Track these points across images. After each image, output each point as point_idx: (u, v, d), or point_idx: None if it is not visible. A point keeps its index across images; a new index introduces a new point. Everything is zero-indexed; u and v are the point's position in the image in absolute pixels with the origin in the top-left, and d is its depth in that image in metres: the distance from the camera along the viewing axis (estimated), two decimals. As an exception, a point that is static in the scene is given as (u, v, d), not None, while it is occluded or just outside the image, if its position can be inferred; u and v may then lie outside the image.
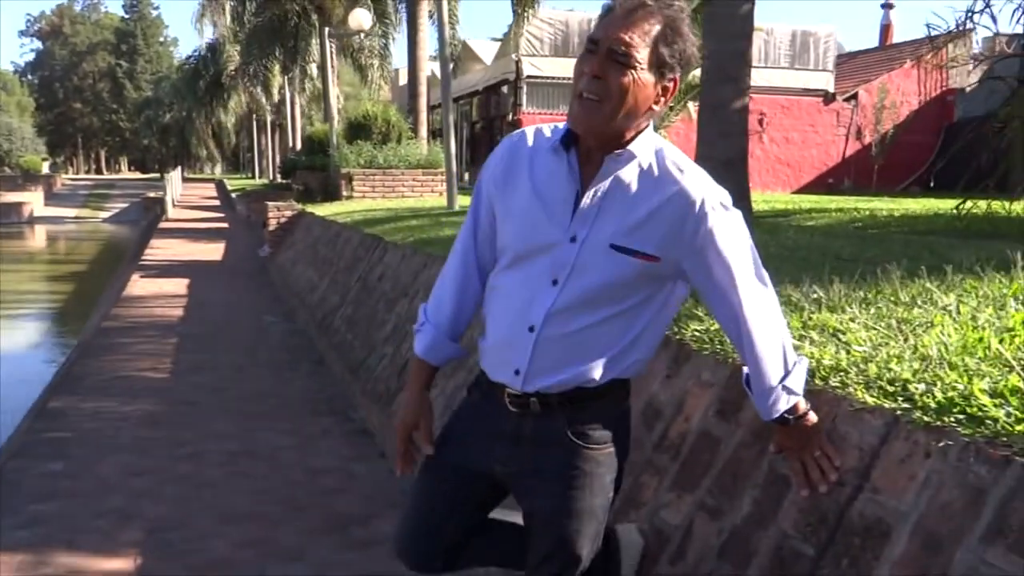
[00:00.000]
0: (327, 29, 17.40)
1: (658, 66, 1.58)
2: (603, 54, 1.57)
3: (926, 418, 1.63)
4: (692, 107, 13.19)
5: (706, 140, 5.57)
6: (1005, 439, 1.49)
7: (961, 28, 5.81)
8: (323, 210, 11.80)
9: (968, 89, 18.28)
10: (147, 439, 4.71)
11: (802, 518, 1.77)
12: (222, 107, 43.08)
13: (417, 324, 1.91)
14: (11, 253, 25.14)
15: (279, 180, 25.18)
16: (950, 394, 1.68)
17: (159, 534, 3.46)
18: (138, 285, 11.31)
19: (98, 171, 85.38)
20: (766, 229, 5.17)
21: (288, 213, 12.87)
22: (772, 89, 19.97)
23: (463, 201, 10.96)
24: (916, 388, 1.74)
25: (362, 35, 21.74)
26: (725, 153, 5.47)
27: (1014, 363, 1.76)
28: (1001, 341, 1.91)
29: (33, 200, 41.48)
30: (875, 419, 1.72)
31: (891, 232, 5.32)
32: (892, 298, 2.50)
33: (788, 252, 3.97)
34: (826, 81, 20.85)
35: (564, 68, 19.16)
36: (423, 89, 16.71)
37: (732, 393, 2.13)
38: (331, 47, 18.92)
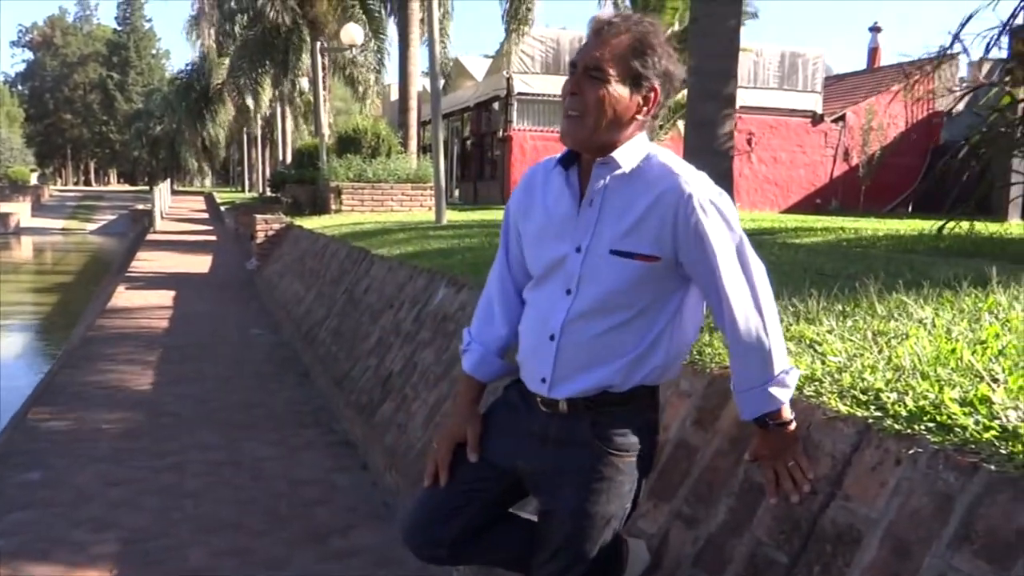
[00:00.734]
0: (319, 43, 17.46)
1: (632, 78, 1.68)
2: (580, 73, 1.69)
3: (897, 426, 1.65)
4: (681, 125, 13.28)
5: (691, 157, 5.62)
6: (973, 446, 1.51)
7: (938, 60, 5.90)
8: (311, 223, 11.80)
9: (954, 112, 18.51)
10: (128, 450, 4.68)
11: (776, 526, 1.78)
12: (212, 120, 43.08)
13: (463, 345, 2.04)
14: (-3, 263, 24.97)
15: (269, 193, 25.17)
16: (921, 403, 1.70)
17: (137, 544, 3.43)
18: (123, 297, 11.26)
19: (87, 183, 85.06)
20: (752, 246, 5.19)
21: (276, 226, 12.86)
22: (761, 109, 20.19)
23: (451, 216, 10.99)
24: (888, 397, 1.76)
25: (355, 50, 21.85)
26: (710, 170, 5.50)
27: (984, 373, 1.78)
28: (973, 353, 1.94)
29: (20, 211, 41.28)
30: (848, 427, 1.74)
31: (874, 250, 5.36)
32: (869, 311, 2.53)
33: (771, 267, 3.94)
34: (814, 102, 21.09)
35: (555, 85, 19.29)
36: (413, 104, 16.79)
37: (710, 403, 2.15)
38: (323, 61, 18.98)
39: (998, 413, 1.58)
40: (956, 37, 5.40)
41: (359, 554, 3.37)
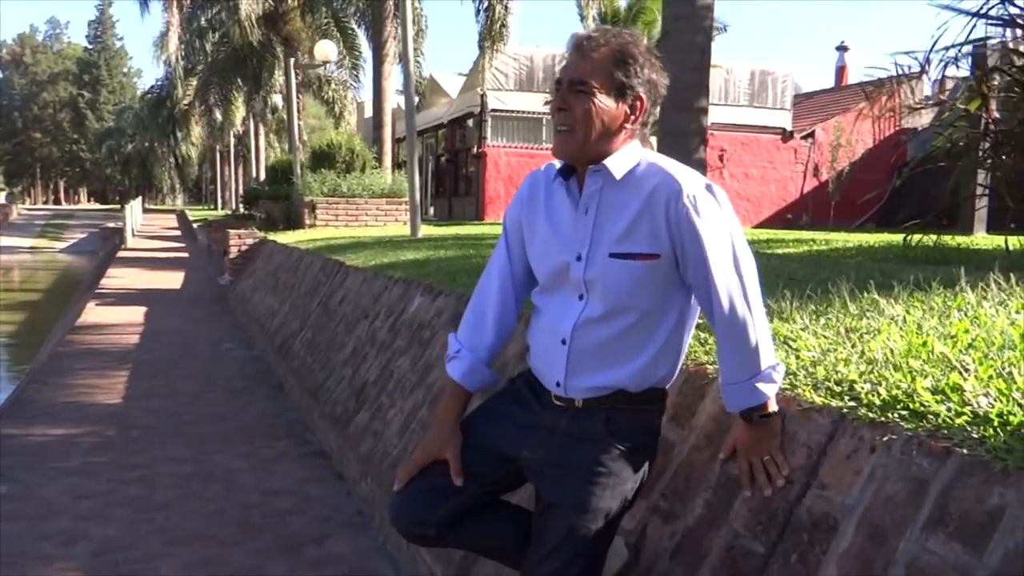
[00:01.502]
0: (292, 60, 17.43)
1: (617, 88, 1.72)
2: (565, 88, 1.73)
3: (871, 415, 1.66)
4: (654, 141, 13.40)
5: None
6: (946, 432, 1.53)
7: (899, 80, 6.00)
8: (285, 238, 11.73)
9: (920, 129, 18.85)
10: (96, 463, 4.59)
11: (752, 517, 1.78)
12: (185, 138, 42.79)
13: (451, 352, 2.01)
14: (-38, 282, 24.52)
15: (242, 211, 24.99)
16: (894, 392, 1.72)
17: (105, 555, 3.36)
18: (93, 313, 11.10)
19: (56, 201, 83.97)
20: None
21: (250, 241, 12.76)
22: (732, 126, 20.44)
23: (427, 231, 10.97)
24: (862, 388, 1.78)
25: (329, 67, 21.85)
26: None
27: (956, 363, 1.81)
28: (944, 345, 1.96)
29: (-12, 230, 40.60)
30: (822, 418, 1.75)
31: (844, 259, 5.42)
32: (841, 310, 2.55)
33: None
34: (784, 119, 21.39)
35: (529, 102, 19.44)
36: (388, 120, 16.79)
37: (687, 399, 2.15)
38: (297, 78, 18.95)
39: (969, 400, 1.60)
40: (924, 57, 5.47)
41: (333, 563, 3.33)
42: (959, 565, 1.35)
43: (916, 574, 1.40)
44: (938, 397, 1.64)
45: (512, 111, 19.69)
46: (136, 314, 10.90)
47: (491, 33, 16.46)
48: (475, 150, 20.34)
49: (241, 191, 31.23)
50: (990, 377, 1.70)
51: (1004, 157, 5.03)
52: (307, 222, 13.32)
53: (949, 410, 1.58)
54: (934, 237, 6.05)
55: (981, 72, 5.14)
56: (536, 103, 18.71)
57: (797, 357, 2.07)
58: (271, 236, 12.57)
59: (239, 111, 29.77)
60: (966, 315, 2.36)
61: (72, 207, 73.56)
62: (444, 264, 5.50)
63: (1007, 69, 4.97)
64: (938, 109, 8.56)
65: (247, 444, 5.01)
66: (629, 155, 1.77)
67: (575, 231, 1.79)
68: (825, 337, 2.22)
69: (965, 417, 1.54)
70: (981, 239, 8.10)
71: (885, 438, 1.59)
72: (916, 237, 6.01)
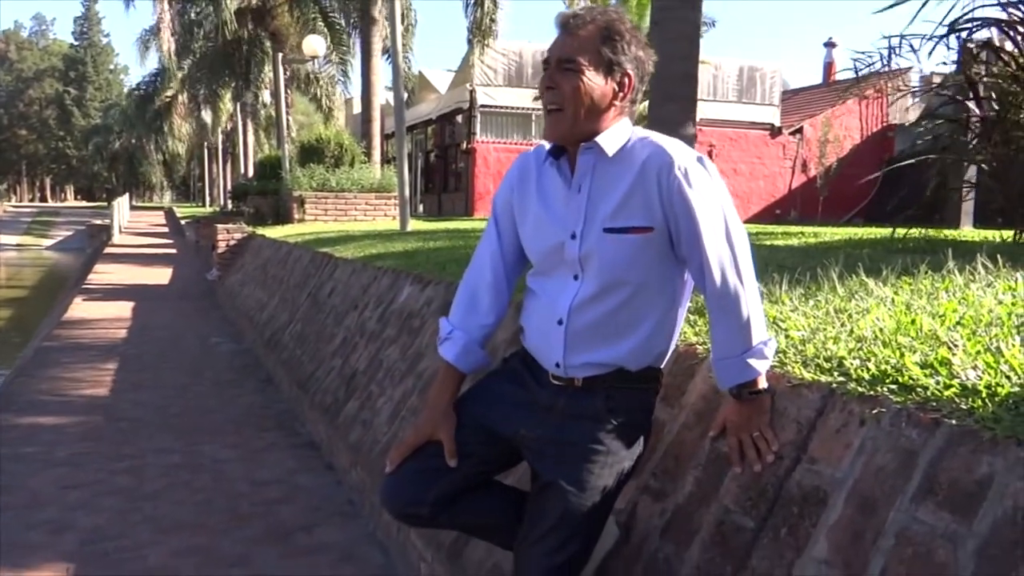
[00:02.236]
0: (280, 55, 17.36)
1: (606, 65, 1.71)
2: (553, 67, 1.73)
3: (860, 389, 1.67)
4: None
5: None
6: (935, 404, 1.53)
7: (885, 66, 6.00)
8: (274, 232, 11.68)
9: (907, 124, 18.96)
10: (84, 454, 4.56)
11: (742, 493, 1.78)
12: (172, 134, 42.53)
13: (443, 334, 1.99)
14: (-53, 279, 24.31)
15: (230, 207, 24.87)
16: (883, 367, 1.72)
17: (94, 544, 3.34)
18: (80, 308, 11.02)
19: (43, 199, 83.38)
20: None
21: (238, 236, 12.71)
22: (721, 122, 20.50)
23: (416, 225, 10.96)
24: (851, 364, 1.78)
25: (317, 64, 21.77)
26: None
27: (944, 339, 1.81)
28: (933, 323, 1.97)
29: (-27, 227, 40.27)
30: (812, 393, 1.75)
31: (833, 248, 5.44)
32: (830, 292, 2.56)
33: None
34: (772, 115, 21.47)
35: (518, 98, 19.42)
36: (376, 115, 16.74)
37: (676, 379, 2.15)
38: (285, 73, 18.86)
39: (958, 373, 1.61)
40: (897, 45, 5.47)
41: (323, 551, 3.32)
42: (948, 533, 1.35)
43: (906, 543, 1.41)
44: (927, 371, 1.65)
45: (501, 107, 19.68)
46: (124, 309, 10.84)
47: (480, 28, 16.44)
48: (464, 146, 20.32)
49: (229, 188, 31.07)
50: (978, 352, 1.71)
51: (989, 149, 5.05)
52: (296, 217, 13.28)
53: (938, 383, 1.59)
54: (921, 230, 6.08)
55: (968, 57, 5.15)
56: (526, 99, 18.70)
57: (787, 336, 2.08)
58: (260, 231, 12.52)
59: (226, 106, 29.60)
60: (954, 296, 2.37)
61: (58, 205, 73.07)
62: (433, 255, 5.49)
63: (995, 53, 4.99)
64: (925, 105, 8.61)
65: (236, 435, 4.99)
66: (620, 132, 1.77)
67: (568, 210, 1.79)
68: (814, 317, 2.23)
69: (954, 389, 1.55)
70: (968, 232, 8.16)
71: (875, 411, 1.60)
72: (903, 230, 6.04)
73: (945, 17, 4.74)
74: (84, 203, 74.49)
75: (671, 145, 1.73)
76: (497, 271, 1.96)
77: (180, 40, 24.15)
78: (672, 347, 1.90)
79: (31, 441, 4.81)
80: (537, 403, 1.86)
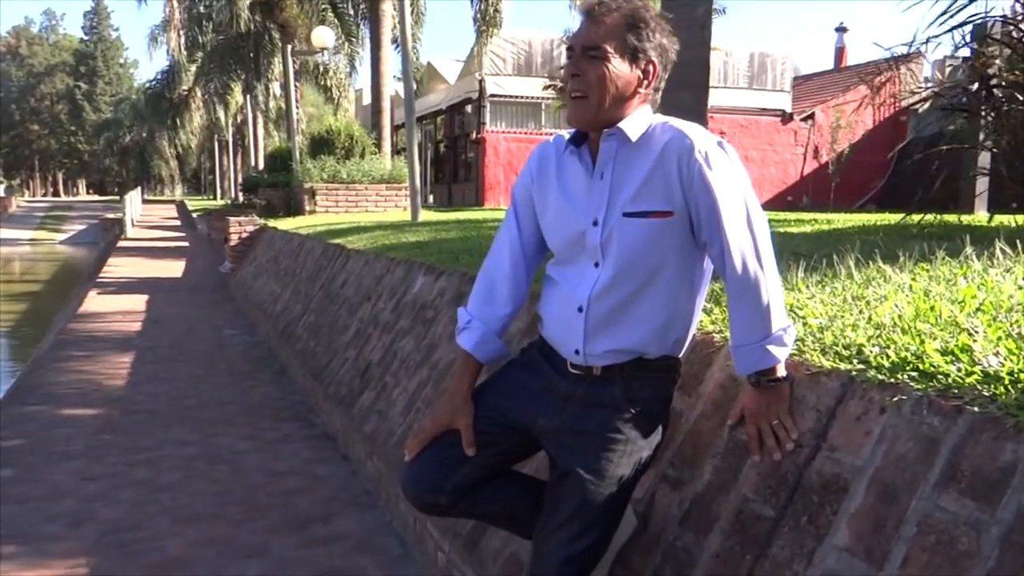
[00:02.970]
0: (289, 47, 17.35)
1: (631, 53, 1.71)
2: (578, 54, 1.73)
3: (880, 376, 1.66)
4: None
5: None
6: (956, 391, 1.52)
7: (895, 63, 5.93)
8: (286, 224, 11.71)
9: (920, 110, 18.79)
10: (101, 446, 4.60)
11: (762, 481, 1.78)
12: (184, 128, 42.65)
13: (461, 323, 2.00)
14: (-37, 274, 24.51)
15: (241, 200, 24.95)
16: (903, 354, 1.71)
17: (112, 535, 3.37)
18: (95, 301, 11.09)
19: (55, 193, 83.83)
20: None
21: (250, 228, 12.74)
22: (732, 109, 20.36)
23: (427, 215, 10.95)
24: (871, 351, 1.77)
25: (326, 55, 21.77)
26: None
27: (965, 326, 1.80)
28: (953, 309, 1.95)
29: (-13, 222, 40.54)
30: (831, 381, 1.74)
31: (847, 235, 5.41)
32: (847, 279, 2.55)
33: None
34: (784, 101, 21.30)
35: (527, 87, 19.34)
36: (386, 106, 16.72)
37: (693, 368, 2.14)
38: (294, 65, 18.87)
39: (979, 360, 1.59)
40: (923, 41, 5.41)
41: (340, 540, 3.34)
42: (972, 520, 1.35)
43: (928, 531, 1.40)
44: (948, 358, 1.64)
45: (511, 96, 19.59)
46: (138, 302, 10.90)
47: (486, 17, 16.38)
48: (474, 136, 20.26)
49: (240, 180, 31.15)
50: (999, 338, 1.69)
51: (1004, 137, 4.99)
52: (307, 208, 13.30)
53: (959, 370, 1.57)
54: (935, 216, 6.03)
55: (981, 46, 5.10)
56: (535, 88, 18.60)
57: (804, 324, 2.07)
58: (271, 223, 12.55)
59: (237, 99, 29.65)
60: (973, 282, 2.35)
61: (71, 199, 73.39)
62: (446, 245, 5.49)
63: (1008, 41, 4.93)
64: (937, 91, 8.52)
65: (252, 426, 5.02)
66: (642, 118, 1.77)
67: (590, 197, 1.79)
68: (832, 304, 2.22)
69: (975, 376, 1.54)
70: (982, 217, 8.08)
71: (895, 399, 1.59)
72: (917, 217, 5.99)
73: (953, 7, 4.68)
74: (96, 197, 74.86)
75: (691, 129, 1.73)
76: (516, 261, 1.96)
77: (189, 34, 24.21)
78: (690, 336, 1.89)
79: (49, 434, 4.85)
80: (555, 392, 1.86)
